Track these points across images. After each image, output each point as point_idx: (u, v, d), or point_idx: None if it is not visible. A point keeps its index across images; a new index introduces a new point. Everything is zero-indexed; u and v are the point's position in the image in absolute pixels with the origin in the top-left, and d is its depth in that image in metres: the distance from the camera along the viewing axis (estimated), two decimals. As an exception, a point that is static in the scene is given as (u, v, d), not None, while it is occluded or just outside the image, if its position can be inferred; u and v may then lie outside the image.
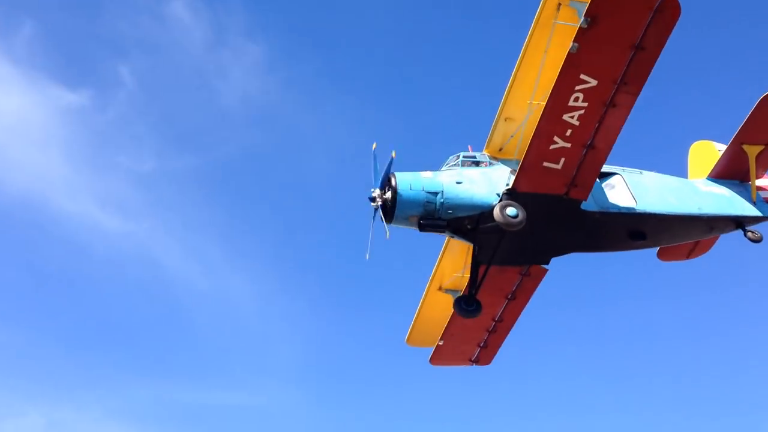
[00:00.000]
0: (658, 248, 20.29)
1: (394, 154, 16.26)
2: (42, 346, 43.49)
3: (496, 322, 20.09)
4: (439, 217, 16.73)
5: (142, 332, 46.41)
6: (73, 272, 47.44)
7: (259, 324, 47.12)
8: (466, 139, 20.14)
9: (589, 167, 16.14)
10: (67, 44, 52.83)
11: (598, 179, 17.31)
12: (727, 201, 19.06)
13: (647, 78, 14.81)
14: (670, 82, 47.70)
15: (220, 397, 43.19)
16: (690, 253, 21.16)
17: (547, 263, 18.49)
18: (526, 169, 15.99)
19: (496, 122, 17.27)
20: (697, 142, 21.34)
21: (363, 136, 53.15)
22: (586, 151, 15.77)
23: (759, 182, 19.58)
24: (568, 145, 15.61)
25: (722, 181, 19.62)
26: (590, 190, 16.80)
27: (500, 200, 16.19)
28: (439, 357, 21.08)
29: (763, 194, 19.57)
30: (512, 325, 20.29)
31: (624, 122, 15.50)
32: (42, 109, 49.33)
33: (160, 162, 51.58)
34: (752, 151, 19.10)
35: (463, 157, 17.68)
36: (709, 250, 21.42)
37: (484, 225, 16.67)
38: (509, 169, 17.18)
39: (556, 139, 15.56)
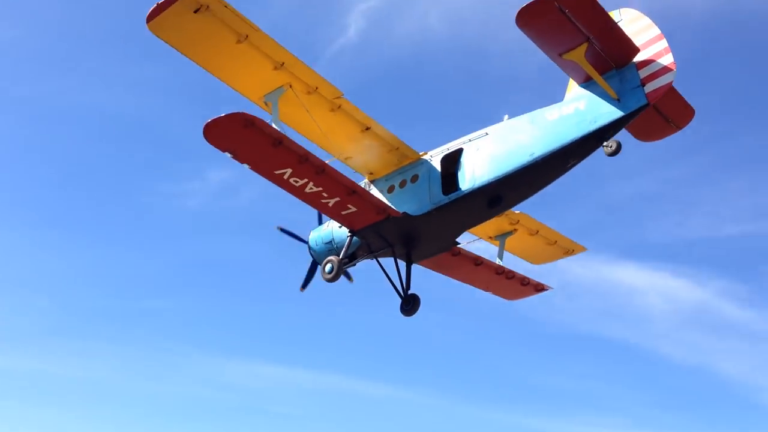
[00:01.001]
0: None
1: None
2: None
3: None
4: (352, 249, 20.03)
5: None
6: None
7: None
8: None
9: (365, 203, 18.19)
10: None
11: (439, 168, 18.71)
12: (572, 123, 17.15)
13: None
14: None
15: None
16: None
17: (453, 246, 20.37)
18: (342, 218, 18.98)
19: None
20: None
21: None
22: (350, 195, 17.88)
23: (641, 56, 16.58)
24: (337, 198, 17.90)
25: (590, 84, 17.09)
26: (396, 209, 18.62)
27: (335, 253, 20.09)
28: None
29: (647, 71, 16.61)
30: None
31: (336, 175, 17.39)
32: None
33: None
34: (576, 55, 16.24)
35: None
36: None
37: (375, 251, 20.25)
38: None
39: (325, 199, 18.01)
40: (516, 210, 20.72)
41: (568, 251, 23.62)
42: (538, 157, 17.22)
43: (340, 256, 19.60)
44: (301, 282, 22.32)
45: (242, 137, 16.29)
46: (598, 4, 15.57)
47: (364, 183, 20.28)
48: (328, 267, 19.45)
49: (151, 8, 15.06)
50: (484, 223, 19.83)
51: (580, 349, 56.03)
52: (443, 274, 22.12)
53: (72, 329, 57.10)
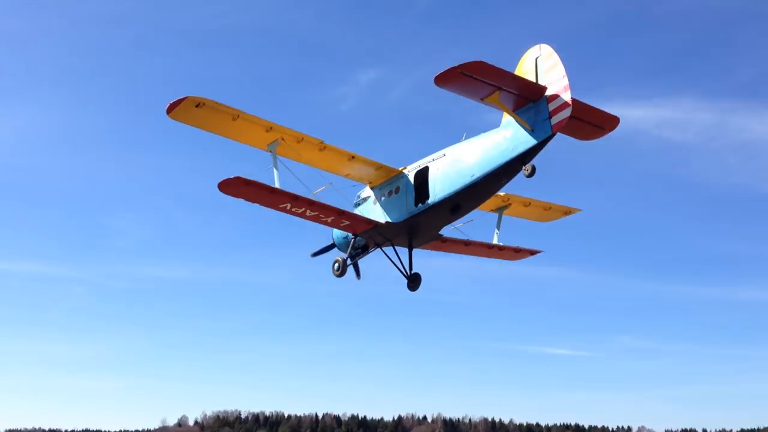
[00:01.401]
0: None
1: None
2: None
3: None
4: (358, 246, 28.21)
5: None
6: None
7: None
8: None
9: (354, 219, 26.38)
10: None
11: (413, 182, 25.61)
12: (500, 150, 22.75)
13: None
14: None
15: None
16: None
17: (438, 237, 27.28)
18: (342, 228, 27.43)
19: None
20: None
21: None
22: (340, 215, 25.97)
23: (550, 91, 21.58)
24: (332, 217, 25.92)
25: (513, 116, 22.48)
26: (381, 219, 26.43)
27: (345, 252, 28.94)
28: None
29: (553, 105, 21.40)
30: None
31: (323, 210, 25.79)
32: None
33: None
34: (493, 100, 21.64)
35: (356, 198, 28.62)
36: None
37: (379, 244, 28.28)
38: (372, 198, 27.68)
39: (323, 219, 26.09)
40: (502, 192, 26.57)
41: (566, 212, 29.58)
42: (477, 177, 23.27)
43: (346, 255, 27.52)
44: (316, 250, 30.55)
45: (246, 190, 23.56)
46: (495, 67, 20.66)
47: (366, 189, 27.86)
48: (335, 266, 27.35)
49: (166, 107, 22.59)
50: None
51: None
52: (445, 252, 29.20)
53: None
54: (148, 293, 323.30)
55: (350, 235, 27.56)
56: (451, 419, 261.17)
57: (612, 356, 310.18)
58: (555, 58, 21.71)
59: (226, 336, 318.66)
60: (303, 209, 24.67)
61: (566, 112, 21.11)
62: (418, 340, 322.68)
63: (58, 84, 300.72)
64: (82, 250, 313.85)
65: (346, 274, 27.26)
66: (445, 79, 20.42)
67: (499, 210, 28.25)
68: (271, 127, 23.83)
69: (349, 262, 27.51)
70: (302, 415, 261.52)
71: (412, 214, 25.38)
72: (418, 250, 28.34)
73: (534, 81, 21.88)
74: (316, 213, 25.16)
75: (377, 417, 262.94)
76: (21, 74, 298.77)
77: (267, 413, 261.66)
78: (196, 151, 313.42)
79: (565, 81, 21.35)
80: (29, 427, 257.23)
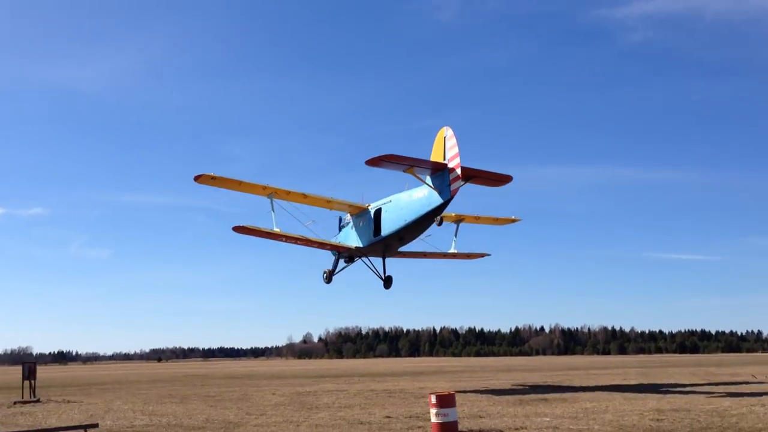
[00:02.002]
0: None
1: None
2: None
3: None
4: (345, 257, 37.72)
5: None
6: None
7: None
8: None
9: (335, 246, 36.99)
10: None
11: (372, 217, 34.27)
12: (420, 204, 30.90)
13: None
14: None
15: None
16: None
17: (397, 252, 36.44)
18: (327, 248, 37.56)
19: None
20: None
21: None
22: (323, 245, 36.51)
23: (450, 165, 29.25)
24: (317, 245, 36.20)
25: (425, 183, 30.55)
26: (353, 245, 35.69)
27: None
28: None
29: (452, 176, 29.16)
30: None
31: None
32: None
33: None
34: (410, 172, 29.44)
35: (342, 221, 37.40)
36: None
37: (359, 257, 37.65)
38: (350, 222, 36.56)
39: (312, 246, 36.28)
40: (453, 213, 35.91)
41: (511, 221, 39.80)
42: (409, 222, 31.68)
43: (331, 269, 37.92)
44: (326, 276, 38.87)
45: (250, 232, 33.17)
46: (402, 156, 28.23)
47: (348, 216, 36.57)
48: (324, 275, 38.01)
49: (192, 178, 31.52)
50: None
51: None
52: (410, 258, 38.92)
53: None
54: (266, 217, 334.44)
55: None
56: (569, 329, 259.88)
57: (738, 259, 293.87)
58: (454, 140, 29.53)
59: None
60: (295, 241, 34.90)
61: (459, 183, 29.19)
62: (534, 251, 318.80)
63: (183, 16, 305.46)
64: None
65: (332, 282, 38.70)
66: (372, 163, 28.37)
67: (457, 222, 37.02)
68: (265, 187, 33.41)
69: (335, 269, 38.19)
70: (420, 329, 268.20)
71: (372, 242, 34.65)
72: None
73: (436, 160, 29.71)
74: (305, 243, 35.32)
75: (494, 329, 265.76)
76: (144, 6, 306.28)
77: (386, 329, 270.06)
78: (304, 69, 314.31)
79: (458, 160, 29.15)
80: (170, 346, 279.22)
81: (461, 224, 37.06)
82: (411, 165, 28.85)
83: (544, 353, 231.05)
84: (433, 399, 16.96)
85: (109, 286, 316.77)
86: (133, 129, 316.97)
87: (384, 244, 34.32)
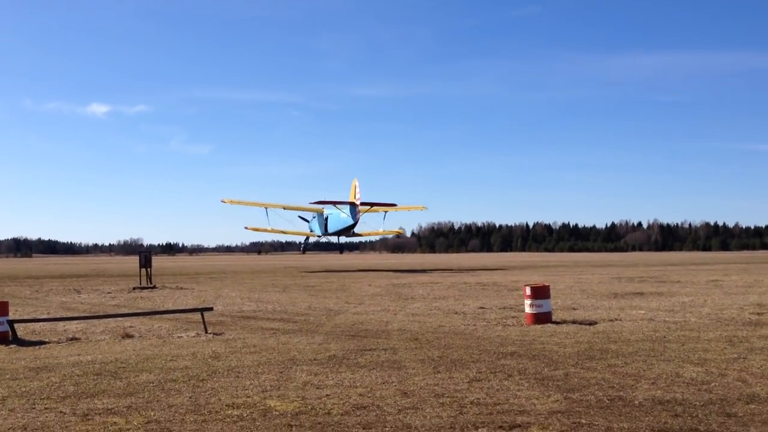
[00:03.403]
0: None
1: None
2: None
3: None
4: (309, 240, 69.13)
5: None
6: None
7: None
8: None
9: (307, 234, 67.65)
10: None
11: (324, 218, 62.34)
12: (342, 220, 58.66)
13: None
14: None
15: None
16: None
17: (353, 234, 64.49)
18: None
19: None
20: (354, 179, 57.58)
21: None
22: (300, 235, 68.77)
23: (358, 202, 56.44)
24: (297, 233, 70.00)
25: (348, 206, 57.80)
26: (316, 233, 65.34)
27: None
28: None
29: (357, 209, 56.45)
30: None
31: None
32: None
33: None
34: (338, 206, 58.26)
35: (312, 215, 65.68)
36: None
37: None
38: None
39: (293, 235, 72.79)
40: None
41: (420, 208, 68.97)
42: (339, 227, 59.75)
43: (301, 249, 73.52)
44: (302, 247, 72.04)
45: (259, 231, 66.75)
46: (335, 201, 57.79)
47: (317, 212, 63.45)
48: (301, 249, 73.48)
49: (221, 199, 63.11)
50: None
51: None
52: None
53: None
54: (359, 114, 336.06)
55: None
56: (668, 224, 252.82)
57: None
58: (358, 187, 55.91)
59: (433, 148, 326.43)
60: (286, 233, 65.89)
61: (361, 215, 57.37)
62: (629, 144, 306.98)
63: None
64: (295, 75, 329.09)
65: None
66: (318, 203, 56.86)
67: (384, 213, 62.97)
68: (267, 207, 60.48)
69: (303, 247, 70.75)
70: (513, 224, 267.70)
71: (324, 234, 63.04)
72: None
73: (350, 200, 56.80)
74: (293, 234, 66.23)
75: (588, 225, 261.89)
76: None
77: (479, 224, 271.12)
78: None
79: (360, 200, 55.89)
80: (269, 240, 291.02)
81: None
82: (337, 203, 57.68)
83: (641, 249, 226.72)
84: (528, 290, 17.23)
85: (209, 181, 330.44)
86: (229, 25, 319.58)
87: (331, 236, 63.46)
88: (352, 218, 56.15)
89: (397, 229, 75.78)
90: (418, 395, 8.94)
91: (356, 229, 60.57)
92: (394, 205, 60.32)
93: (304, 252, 66.96)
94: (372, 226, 64.57)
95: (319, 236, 63.30)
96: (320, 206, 59.59)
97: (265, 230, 61.04)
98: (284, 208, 62.15)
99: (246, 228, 62.73)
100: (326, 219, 60.67)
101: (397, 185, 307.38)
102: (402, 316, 19.88)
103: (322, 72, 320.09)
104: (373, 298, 26.80)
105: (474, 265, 74.06)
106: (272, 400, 8.79)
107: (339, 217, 58.25)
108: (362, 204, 55.99)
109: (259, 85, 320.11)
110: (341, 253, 75.60)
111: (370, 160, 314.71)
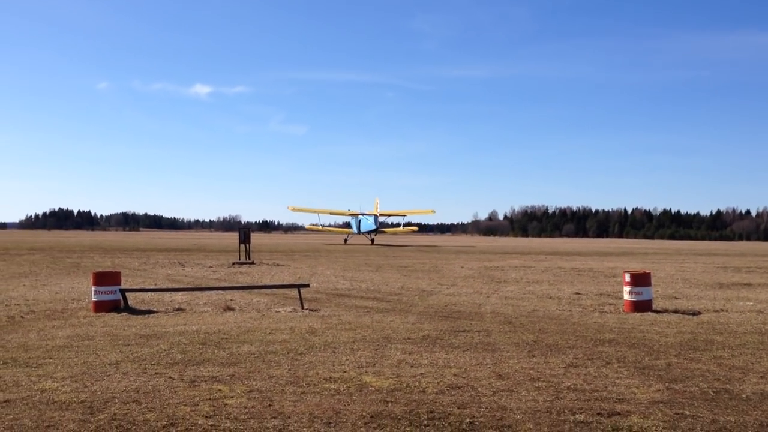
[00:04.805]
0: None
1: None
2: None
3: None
4: (349, 236, 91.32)
5: None
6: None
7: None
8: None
9: (346, 232, 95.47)
10: None
11: (358, 221, 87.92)
12: (369, 224, 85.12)
13: None
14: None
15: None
16: None
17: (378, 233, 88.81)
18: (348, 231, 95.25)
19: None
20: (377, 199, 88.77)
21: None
22: (343, 233, 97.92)
23: (378, 213, 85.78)
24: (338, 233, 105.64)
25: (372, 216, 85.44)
26: (354, 232, 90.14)
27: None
28: None
29: (380, 218, 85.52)
30: None
31: None
32: None
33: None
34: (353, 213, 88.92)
35: (353, 218, 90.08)
36: None
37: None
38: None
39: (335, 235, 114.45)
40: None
41: (429, 211, 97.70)
42: (369, 229, 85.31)
43: (346, 237, 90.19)
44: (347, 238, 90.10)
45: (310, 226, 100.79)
46: (359, 212, 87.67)
47: (354, 216, 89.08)
48: (345, 241, 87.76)
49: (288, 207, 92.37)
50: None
51: None
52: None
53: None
54: (452, 95, 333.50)
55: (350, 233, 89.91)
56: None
57: None
58: (379, 203, 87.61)
59: (527, 130, 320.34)
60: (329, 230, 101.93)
61: (381, 221, 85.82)
62: (740, 127, 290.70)
63: None
64: (390, 57, 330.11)
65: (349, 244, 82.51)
66: (351, 214, 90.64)
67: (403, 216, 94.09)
68: (318, 213, 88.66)
69: (348, 240, 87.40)
70: (610, 210, 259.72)
71: (358, 233, 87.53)
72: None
73: (373, 212, 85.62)
74: (339, 232, 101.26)
75: (692, 212, 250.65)
76: None
77: (574, 208, 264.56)
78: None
79: (380, 213, 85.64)
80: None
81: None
82: (365, 214, 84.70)
83: (749, 239, 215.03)
84: (627, 277, 16.72)
85: (306, 161, 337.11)
86: (326, 7, 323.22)
87: (362, 235, 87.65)
88: (375, 224, 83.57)
89: (412, 227, 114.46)
90: (513, 378, 8.89)
91: (380, 228, 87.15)
92: (404, 215, 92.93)
93: (345, 242, 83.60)
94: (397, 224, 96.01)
95: (356, 233, 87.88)
96: (357, 212, 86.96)
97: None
98: (330, 214, 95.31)
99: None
100: (359, 222, 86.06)
101: (487, 167, 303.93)
102: (495, 298, 19.74)
103: (416, 53, 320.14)
104: (465, 280, 26.72)
105: (569, 249, 72.45)
106: (368, 376, 8.96)
107: (367, 222, 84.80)
108: (381, 215, 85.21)
109: (354, 66, 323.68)
110: (372, 243, 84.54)
111: (463, 141, 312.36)
